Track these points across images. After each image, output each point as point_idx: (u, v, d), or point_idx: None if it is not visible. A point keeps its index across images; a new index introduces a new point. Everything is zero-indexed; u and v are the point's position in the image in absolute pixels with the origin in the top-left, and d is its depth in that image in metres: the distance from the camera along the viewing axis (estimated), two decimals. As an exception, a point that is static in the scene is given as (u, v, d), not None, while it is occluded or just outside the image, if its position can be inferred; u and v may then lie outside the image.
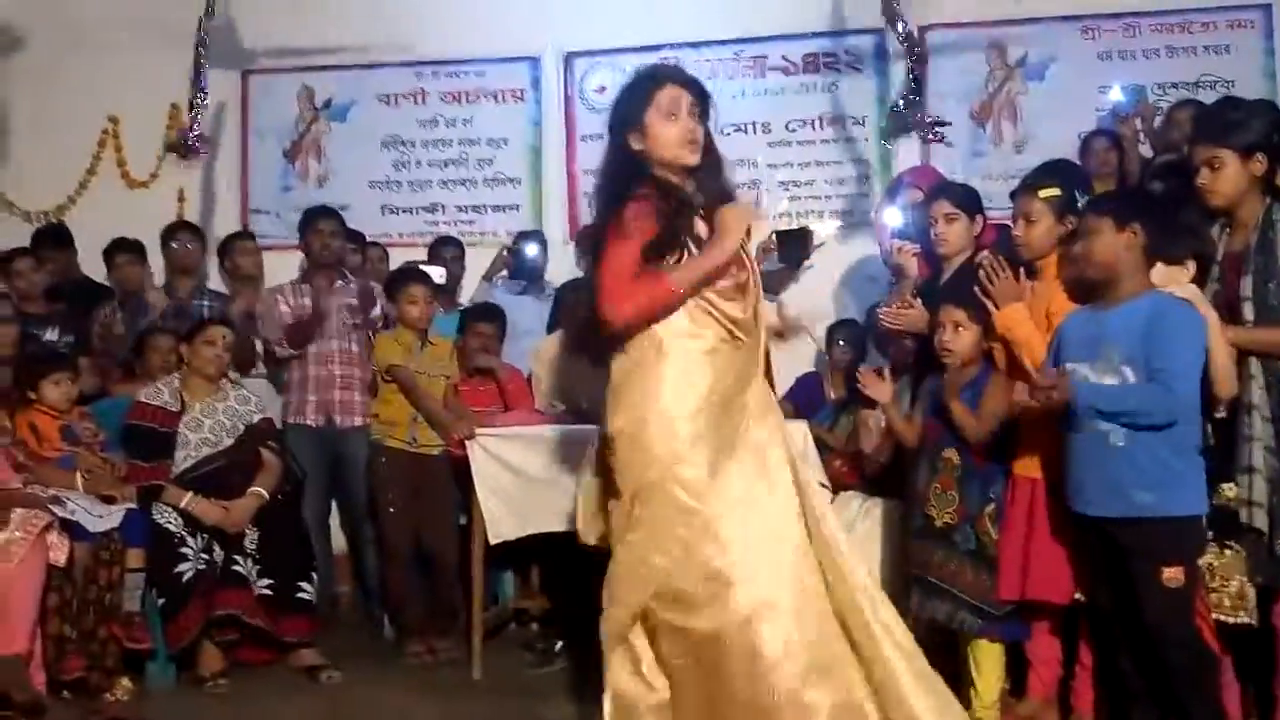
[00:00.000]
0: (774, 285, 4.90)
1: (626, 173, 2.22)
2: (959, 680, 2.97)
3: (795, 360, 4.63)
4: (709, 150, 2.25)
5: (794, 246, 4.68)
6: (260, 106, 5.55)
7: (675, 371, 2.20)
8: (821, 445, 3.67)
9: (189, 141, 5.34)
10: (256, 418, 3.98)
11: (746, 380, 2.28)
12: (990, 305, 2.85)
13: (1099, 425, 2.41)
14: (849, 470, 3.74)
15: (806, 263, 4.71)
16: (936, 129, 4.98)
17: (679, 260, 2.21)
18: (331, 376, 4.28)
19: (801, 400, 4.36)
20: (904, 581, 3.31)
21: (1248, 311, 2.61)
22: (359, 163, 5.48)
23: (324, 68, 5.50)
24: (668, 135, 2.18)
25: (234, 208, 5.52)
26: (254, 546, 3.73)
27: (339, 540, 4.58)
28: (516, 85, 5.42)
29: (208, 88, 5.28)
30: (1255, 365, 2.58)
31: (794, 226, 4.82)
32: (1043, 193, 2.88)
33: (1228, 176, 2.67)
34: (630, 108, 2.22)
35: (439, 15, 5.36)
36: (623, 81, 2.33)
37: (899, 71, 5.04)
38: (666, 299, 2.18)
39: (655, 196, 2.19)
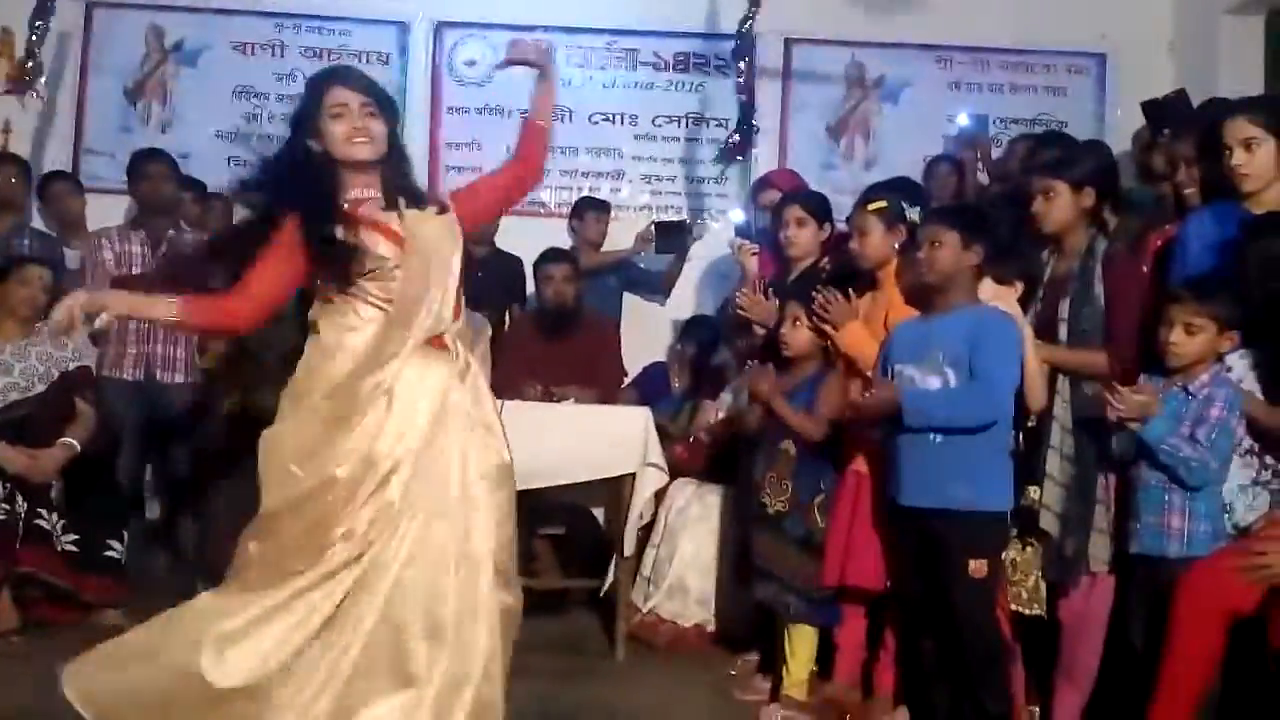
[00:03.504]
0: (663, 283, 5.01)
1: (306, 171, 2.28)
2: (773, 659, 3.11)
3: (643, 351, 4.72)
4: (394, 149, 2.33)
5: (673, 238, 4.79)
6: (103, 42, 5.22)
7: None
8: (663, 433, 3.75)
9: (26, 76, 4.91)
10: (72, 365, 3.74)
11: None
12: (830, 329, 2.98)
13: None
14: (687, 457, 3.84)
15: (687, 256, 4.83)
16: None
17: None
18: (155, 329, 4.06)
19: (647, 389, 4.45)
20: (733, 563, 3.44)
21: (1062, 332, 2.81)
22: (207, 111, 5.23)
23: (177, 8, 5.23)
24: (335, 133, 2.26)
25: (66, 145, 5.17)
26: (60, 500, 3.52)
27: (154, 502, 4.37)
28: (382, 49, 5.29)
29: (47, 16, 4.90)
30: (1062, 382, 2.77)
31: (673, 219, 4.92)
32: (871, 206, 3.03)
33: (1059, 206, 2.86)
34: (304, 112, 2.31)
35: (307, -32, 5.19)
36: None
37: (766, 80, 5.18)
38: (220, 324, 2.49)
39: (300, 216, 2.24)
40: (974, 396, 2.49)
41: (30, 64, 4.87)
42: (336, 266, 2.21)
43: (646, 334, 4.79)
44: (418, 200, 2.33)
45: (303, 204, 2.24)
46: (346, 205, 2.27)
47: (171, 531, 4.36)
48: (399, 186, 2.32)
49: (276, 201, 2.26)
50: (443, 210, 2.35)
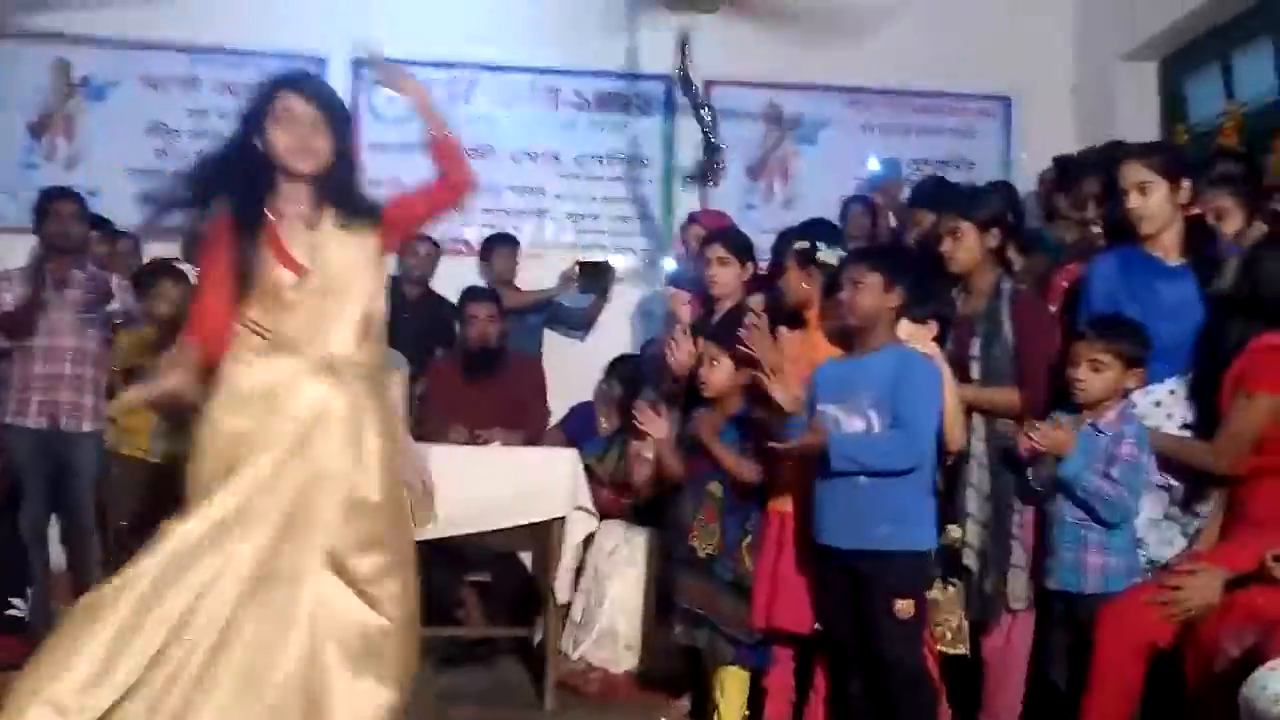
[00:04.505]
0: (584, 320, 5.00)
1: (244, 170, 2.27)
2: (703, 704, 3.09)
3: (571, 391, 4.70)
4: (339, 161, 2.30)
5: (596, 278, 4.80)
6: (6, 76, 5.05)
7: None
8: (590, 474, 3.72)
9: None
10: (-30, 415, 3.58)
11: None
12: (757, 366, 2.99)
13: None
14: (614, 500, 3.82)
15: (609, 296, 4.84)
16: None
17: None
18: (60, 375, 3.91)
19: (575, 429, 4.43)
20: (660, 607, 3.42)
21: (974, 371, 2.88)
22: (116, 147, 5.10)
23: (84, 41, 5.08)
24: (280, 140, 2.25)
25: (-36, 183, 4.98)
26: (-43, 558, 3.34)
27: (58, 555, 4.17)
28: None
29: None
30: (977, 420, 2.84)
31: (596, 259, 4.93)
32: (793, 247, 3.08)
33: (967, 246, 2.95)
34: (253, 113, 2.28)
35: (225, 2, 5.08)
36: (256, 84, 2.38)
37: (687, 119, 5.24)
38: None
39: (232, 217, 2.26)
40: (899, 443, 2.53)
41: None
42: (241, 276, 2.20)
43: (567, 372, 4.78)
44: (354, 214, 2.29)
45: (238, 195, 2.23)
46: (268, 212, 2.25)
47: (79, 585, 4.17)
48: (334, 200, 2.28)
49: (212, 188, 2.24)
50: (373, 221, 2.31)
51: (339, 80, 5.17)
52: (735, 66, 5.33)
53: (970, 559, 2.76)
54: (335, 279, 2.26)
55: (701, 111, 4.76)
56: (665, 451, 3.21)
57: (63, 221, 4.01)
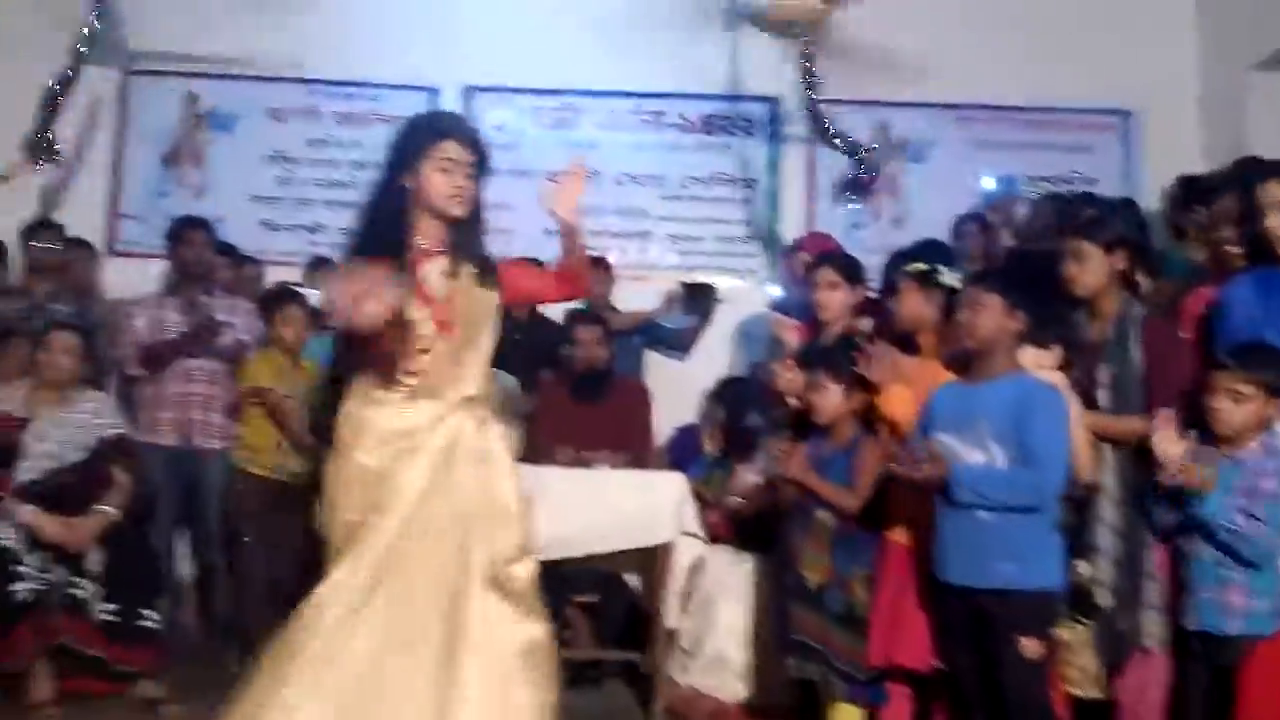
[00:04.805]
0: (684, 340, 5.01)
1: (392, 207, 2.31)
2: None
3: (669, 412, 4.70)
4: (475, 207, 2.35)
5: (699, 299, 4.81)
6: (140, 109, 5.32)
7: None
8: (697, 498, 3.71)
9: (45, 144, 4.83)
10: (110, 432, 3.75)
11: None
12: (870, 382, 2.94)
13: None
14: (723, 524, 3.80)
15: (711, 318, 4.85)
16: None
17: None
18: (191, 395, 4.09)
19: (678, 452, 4.43)
20: (771, 637, 3.38)
21: (1102, 399, 2.78)
22: (241, 175, 5.31)
23: (213, 76, 5.32)
24: (439, 185, 2.29)
25: (100, 210, 5.25)
26: (98, 569, 3.50)
27: (187, 567, 4.36)
28: (413, 113, 5.34)
29: (81, 87, 4.94)
30: (1108, 451, 2.73)
31: (699, 281, 4.94)
32: (908, 268, 3.01)
33: (1091, 269, 2.84)
34: (409, 151, 2.32)
35: (340, 35, 5.26)
36: (408, 121, 2.43)
37: (793, 139, 5.23)
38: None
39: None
40: (1028, 480, 2.45)
41: (43, 140, 4.83)
42: (389, 350, 2.22)
43: (667, 393, 4.78)
44: (480, 266, 2.35)
45: (387, 232, 2.27)
46: (411, 253, 2.29)
47: (206, 597, 4.35)
48: (466, 247, 2.34)
49: (363, 249, 2.27)
50: (495, 278, 2.37)
51: (450, 106, 5.33)
52: (841, 87, 5.27)
53: (1103, 597, 2.66)
54: (471, 329, 2.33)
55: (828, 131, 4.72)
56: (813, 481, 3.04)
57: (196, 249, 4.20)
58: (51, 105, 4.83)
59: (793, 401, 3.26)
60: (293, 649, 2.16)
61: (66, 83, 4.84)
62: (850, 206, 5.20)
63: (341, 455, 2.28)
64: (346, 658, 2.15)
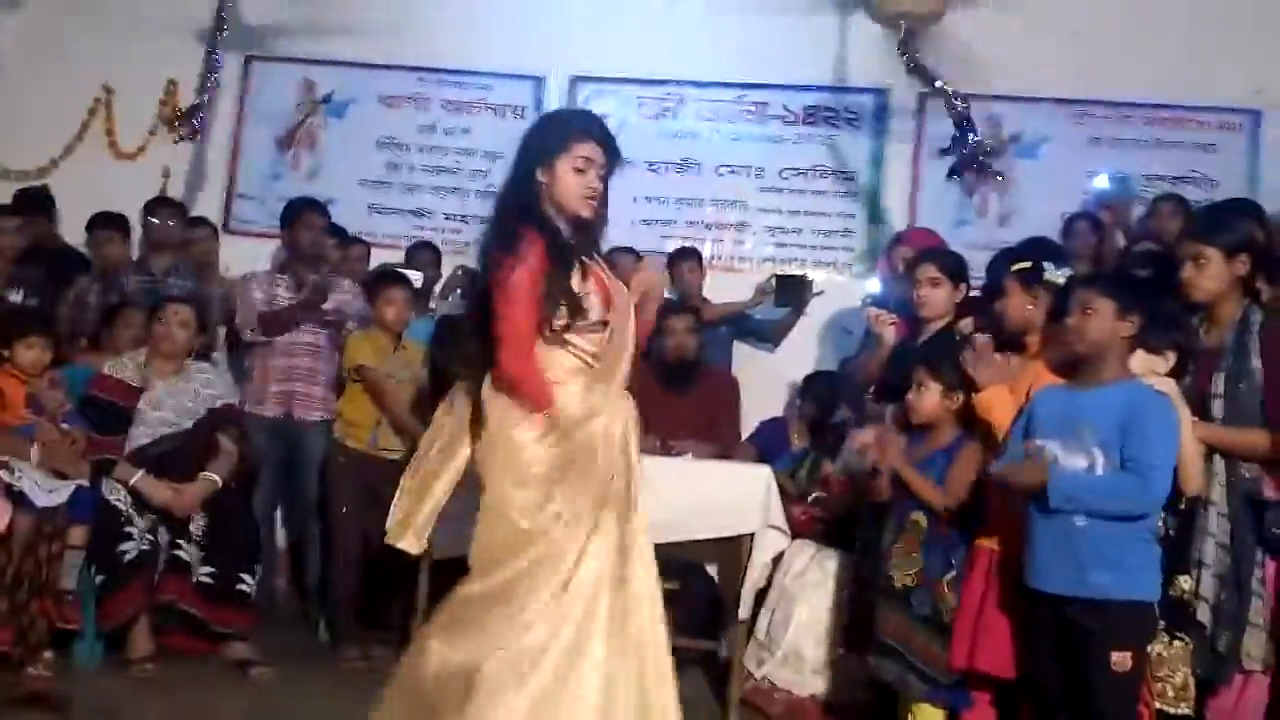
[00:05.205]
0: (774, 333, 4.97)
1: (525, 200, 2.30)
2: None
3: (756, 403, 4.66)
4: (601, 207, 2.34)
5: (793, 292, 4.75)
6: (259, 93, 5.52)
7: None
8: (782, 491, 3.67)
9: (194, 120, 5.21)
10: (220, 402, 3.91)
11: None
12: (974, 381, 2.87)
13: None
14: (807, 519, 3.75)
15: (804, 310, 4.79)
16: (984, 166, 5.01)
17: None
18: (296, 368, 4.23)
19: (764, 444, 4.39)
20: (845, 633, 3.33)
21: (1217, 409, 2.66)
22: (351, 159, 5.45)
23: (328, 62, 5.49)
24: (572, 185, 2.27)
25: (218, 190, 5.47)
26: (200, 533, 3.66)
27: (282, 535, 4.52)
28: (519, 102, 5.43)
29: (217, 69, 5.22)
30: (1218, 463, 2.62)
31: (794, 273, 4.89)
32: (1014, 267, 2.92)
33: (1211, 274, 2.72)
34: (546, 146, 2.31)
35: (450, 24, 5.36)
36: (547, 115, 2.45)
37: (897, 134, 5.12)
38: (538, 404, 2.23)
39: (546, 240, 2.25)
40: (1131, 488, 2.36)
41: (192, 111, 5.20)
42: (567, 309, 2.23)
43: (755, 384, 4.73)
44: (610, 263, 2.41)
45: (547, 231, 2.26)
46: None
47: (298, 565, 4.50)
48: (586, 248, 2.34)
49: (521, 221, 2.25)
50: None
51: (556, 97, 5.39)
52: (951, 78, 5.14)
53: (1203, 613, 2.54)
54: (625, 312, 2.32)
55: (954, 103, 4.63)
56: (912, 476, 2.98)
57: (312, 231, 4.35)
58: (202, 85, 5.17)
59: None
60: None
61: (208, 66, 5.14)
62: (952, 181, 5.03)
63: (516, 443, 2.23)
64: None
